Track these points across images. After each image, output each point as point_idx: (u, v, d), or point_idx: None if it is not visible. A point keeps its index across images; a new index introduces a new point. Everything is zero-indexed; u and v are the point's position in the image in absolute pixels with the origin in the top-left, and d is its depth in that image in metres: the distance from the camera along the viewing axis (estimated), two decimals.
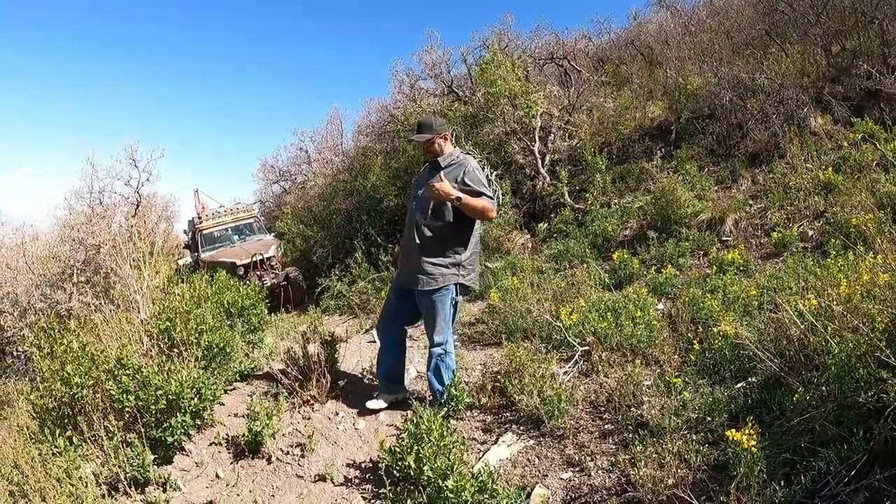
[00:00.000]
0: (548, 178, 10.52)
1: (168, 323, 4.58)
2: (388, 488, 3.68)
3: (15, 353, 12.34)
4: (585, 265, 7.54)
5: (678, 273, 6.73)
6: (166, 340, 4.56)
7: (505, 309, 6.28)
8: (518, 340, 5.67)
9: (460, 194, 4.34)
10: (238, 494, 4.00)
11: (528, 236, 9.71)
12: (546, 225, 9.90)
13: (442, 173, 4.44)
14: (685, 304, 5.55)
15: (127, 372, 4.09)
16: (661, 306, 6.03)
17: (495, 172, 10.24)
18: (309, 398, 5.08)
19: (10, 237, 15.93)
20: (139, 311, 4.68)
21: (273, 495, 4.09)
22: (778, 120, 9.02)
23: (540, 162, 10.64)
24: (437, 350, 4.68)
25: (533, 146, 10.70)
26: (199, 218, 15.02)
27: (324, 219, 13.72)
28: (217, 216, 15.14)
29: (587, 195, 9.76)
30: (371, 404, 4.98)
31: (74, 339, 4.39)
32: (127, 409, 4.14)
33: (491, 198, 4.52)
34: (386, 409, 4.99)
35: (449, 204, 4.42)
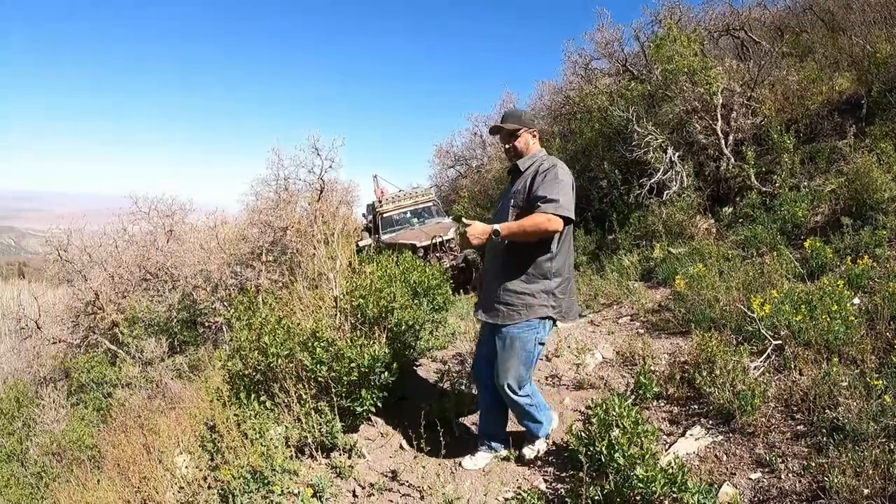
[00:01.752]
0: (732, 159, 9.90)
1: (361, 300, 4.69)
2: (571, 472, 3.62)
3: (206, 324, 13.38)
4: (776, 253, 7.05)
5: (875, 265, 6.11)
6: (359, 316, 4.70)
7: (692, 296, 6.00)
8: (705, 330, 5.39)
9: (497, 226, 3.62)
10: (423, 466, 4.09)
11: (712, 221, 9.20)
12: (731, 209, 9.34)
13: (464, 219, 3.76)
14: (884, 300, 5.01)
15: (321, 344, 4.27)
16: (857, 301, 5.51)
17: (677, 153, 9.82)
18: None
19: (203, 221, 17.27)
20: (332, 289, 4.86)
21: (453, 470, 4.13)
22: None
23: (723, 142, 10.03)
24: (517, 398, 3.93)
25: (715, 125, 10.03)
26: (379, 202, 15.52)
27: None
28: (397, 200, 15.60)
29: (774, 177, 9.11)
30: (468, 463, 4.19)
31: (270, 312, 4.63)
32: (319, 378, 4.33)
33: (555, 201, 3.53)
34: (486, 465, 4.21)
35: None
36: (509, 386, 3.86)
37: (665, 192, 9.63)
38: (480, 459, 4.19)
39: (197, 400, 6.42)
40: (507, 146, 4.00)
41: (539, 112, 16.82)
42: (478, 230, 3.64)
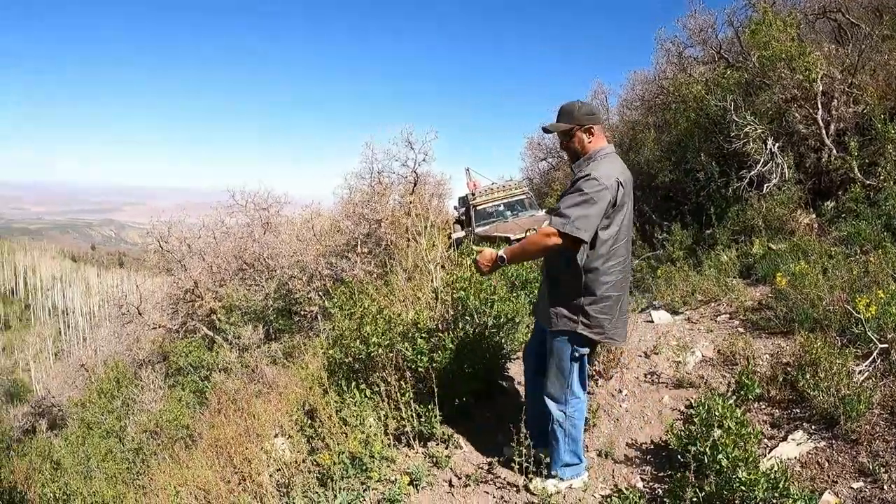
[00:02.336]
0: (834, 150, 9.46)
1: (462, 292, 4.72)
2: (670, 472, 3.59)
3: (302, 313, 13.75)
4: (881, 251, 6.74)
5: None
6: (459, 308, 4.75)
7: (794, 295, 5.81)
8: (808, 331, 5.22)
9: (503, 253, 3.54)
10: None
11: (814, 216, 8.85)
12: (833, 203, 8.94)
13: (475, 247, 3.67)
14: None
15: (422, 335, 4.34)
16: None
17: (777, 144, 9.49)
18: (594, 373, 5.00)
19: (299, 213, 17.74)
20: (432, 280, 4.93)
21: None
22: None
23: (824, 132, 9.58)
24: (553, 408, 3.72)
25: (815, 114, 9.59)
26: (472, 195, 15.59)
27: None
28: (490, 192, 15.64)
29: (878, 169, 8.67)
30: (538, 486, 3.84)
31: (372, 302, 4.73)
32: (419, 368, 4.40)
33: (565, 217, 3.25)
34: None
35: None
36: (547, 392, 3.75)
37: (765, 186, 9.32)
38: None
39: (292, 386, 6.61)
40: (561, 148, 3.73)
41: (632, 102, 16.54)
42: (486, 257, 3.60)
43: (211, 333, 15.44)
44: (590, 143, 3.49)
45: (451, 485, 4.04)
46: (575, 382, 3.63)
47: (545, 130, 3.77)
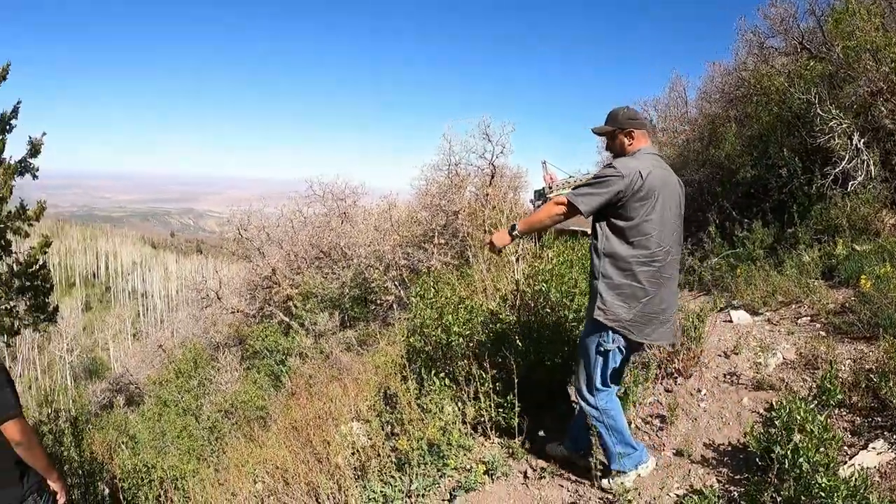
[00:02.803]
0: None
1: (544, 284, 4.76)
2: (747, 475, 3.56)
3: (378, 302, 14.01)
4: None
5: None
6: (540, 301, 4.78)
7: (879, 299, 5.65)
8: (893, 336, 5.08)
9: (515, 223, 3.74)
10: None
11: None
12: None
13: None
14: None
15: (503, 326, 4.41)
16: None
17: (862, 140, 9.14)
18: (673, 371, 5.01)
19: (376, 204, 18.02)
20: (512, 272, 4.99)
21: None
22: None
23: None
24: (584, 405, 3.78)
25: None
26: (549, 188, 15.53)
27: None
28: (566, 186, 15.51)
29: None
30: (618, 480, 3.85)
31: (453, 293, 4.83)
32: (498, 359, 4.45)
33: (576, 189, 3.54)
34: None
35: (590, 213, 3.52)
36: (576, 387, 3.85)
37: (849, 183, 9.01)
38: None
39: (366, 372, 6.75)
40: (606, 149, 3.93)
41: (711, 95, 16.12)
42: (497, 233, 3.80)
43: (287, 319, 15.87)
44: (629, 145, 3.66)
45: (525, 476, 4.10)
46: (597, 377, 3.68)
47: (593, 132, 3.92)
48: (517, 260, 5.06)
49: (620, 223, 3.49)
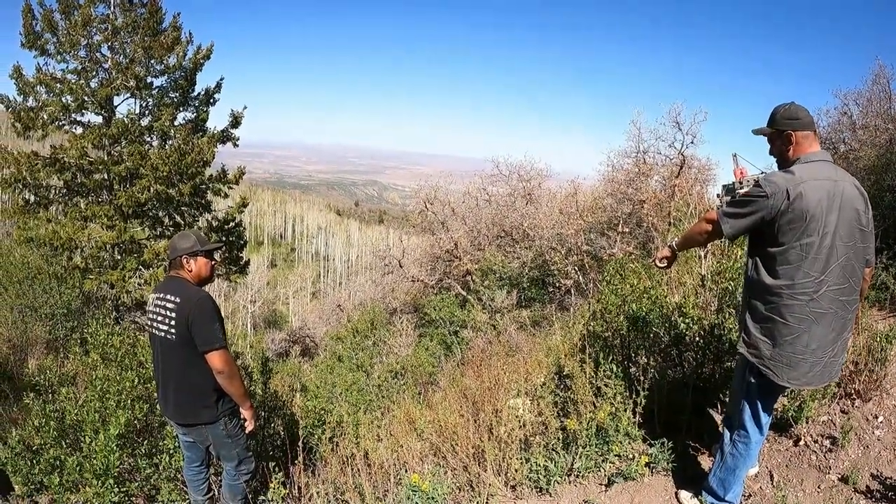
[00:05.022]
0: None
1: (731, 283, 4.68)
2: None
3: (556, 285, 14.23)
4: None
5: None
6: (726, 298, 4.73)
7: None
8: None
9: (672, 242, 3.57)
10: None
11: None
12: None
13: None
14: None
15: (686, 320, 4.46)
16: None
17: None
18: (852, 391, 4.64)
19: (562, 187, 18.18)
20: (700, 266, 5.01)
21: (788, 476, 4.03)
22: None
23: None
24: (726, 425, 3.58)
25: None
26: (739, 183, 14.95)
27: (872, 196, 12.29)
28: (755, 182, 14.88)
29: None
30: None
31: (639, 281, 4.96)
32: (680, 349, 4.51)
33: (724, 205, 3.33)
34: None
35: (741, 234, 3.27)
36: (726, 415, 3.65)
37: None
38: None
39: (537, 352, 6.95)
40: (770, 154, 3.46)
41: None
42: (662, 250, 3.64)
43: (464, 293, 16.41)
44: (788, 150, 3.22)
45: (685, 474, 4.04)
46: (745, 413, 3.38)
47: (754, 134, 3.51)
48: (704, 255, 5.07)
49: (769, 248, 3.11)
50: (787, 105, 3.23)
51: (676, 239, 3.68)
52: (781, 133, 3.20)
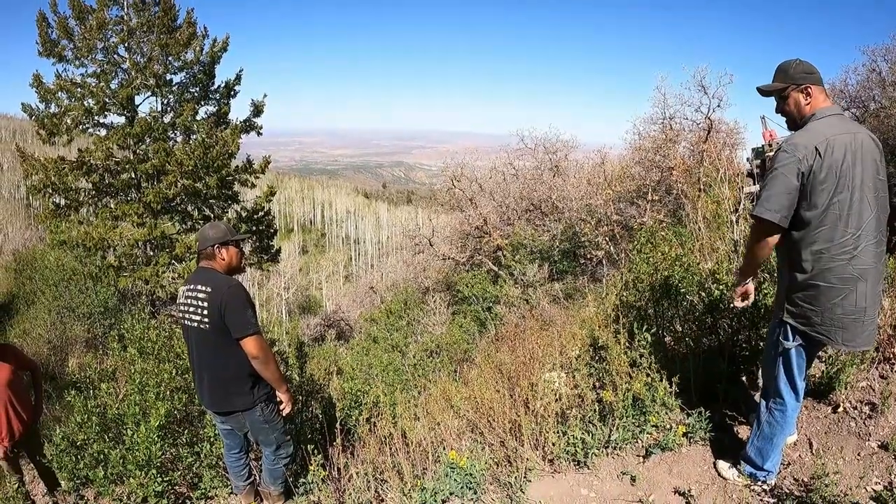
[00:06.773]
0: None
1: None
2: None
3: (588, 257, 14.17)
4: None
5: None
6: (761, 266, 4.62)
7: None
8: None
9: (736, 276, 3.47)
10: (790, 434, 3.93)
11: None
12: None
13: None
14: None
15: (720, 287, 4.39)
16: None
17: None
18: (892, 356, 4.51)
19: (589, 158, 18.03)
20: (732, 231, 4.92)
21: (827, 443, 3.93)
22: None
23: None
24: (761, 395, 3.56)
25: None
26: (769, 145, 14.73)
27: None
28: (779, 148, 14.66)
29: None
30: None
31: (671, 248, 4.89)
32: (709, 320, 4.44)
33: (757, 199, 3.09)
34: None
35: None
36: (762, 383, 3.61)
37: None
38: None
39: (571, 325, 6.93)
40: (777, 112, 3.34)
41: None
42: (737, 289, 3.47)
43: (495, 268, 16.45)
44: (807, 104, 3.11)
45: (723, 444, 4.01)
46: (780, 380, 3.34)
47: (759, 92, 3.36)
48: (736, 220, 4.97)
49: (804, 213, 3.00)
50: (797, 60, 3.15)
51: (738, 267, 3.57)
52: (799, 86, 3.10)
